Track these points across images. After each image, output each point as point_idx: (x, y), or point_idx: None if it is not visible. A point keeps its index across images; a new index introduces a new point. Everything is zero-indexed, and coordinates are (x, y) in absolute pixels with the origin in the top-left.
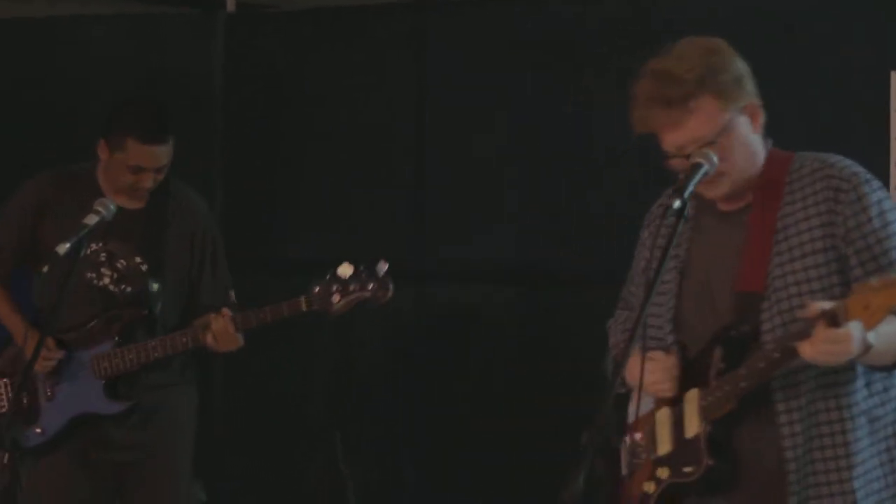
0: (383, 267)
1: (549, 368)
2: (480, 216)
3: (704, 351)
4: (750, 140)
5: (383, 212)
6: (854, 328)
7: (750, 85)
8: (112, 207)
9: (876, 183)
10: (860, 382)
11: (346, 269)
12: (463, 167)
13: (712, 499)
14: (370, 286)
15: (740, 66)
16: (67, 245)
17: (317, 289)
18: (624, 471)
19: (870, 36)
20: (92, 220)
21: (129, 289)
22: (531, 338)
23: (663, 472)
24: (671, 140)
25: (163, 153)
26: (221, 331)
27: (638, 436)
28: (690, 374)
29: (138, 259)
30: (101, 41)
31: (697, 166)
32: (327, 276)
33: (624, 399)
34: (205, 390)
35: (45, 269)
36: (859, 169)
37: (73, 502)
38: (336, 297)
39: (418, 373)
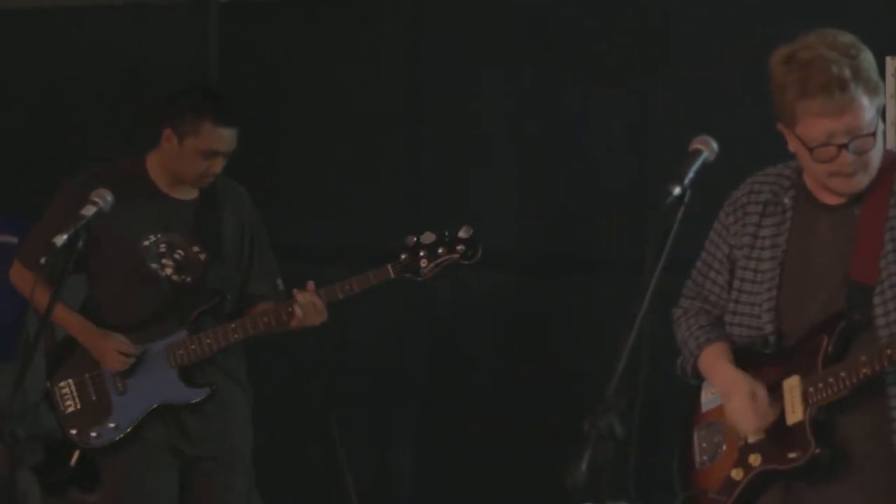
0: (468, 230)
1: (551, 356)
2: (479, 206)
3: (808, 338)
4: (881, 138)
5: (382, 202)
6: None
7: (882, 89)
8: (109, 199)
9: None
10: None
11: (428, 237)
12: (461, 158)
13: (822, 486)
14: (458, 247)
15: (875, 67)
16: (65, 237)
17: (403, 256)
18: (699, 458)
19: (865, 21)
20: (89, 211)
21: (188, 279)
22: (532, 325)
23: (755, 459)
24: (826, 127)
25: (234, 136)
26: (308, 303)
27: (715, 422)
28: (792, 362)
29: (196, 248)
30: (92, 31)
31: (697, 153)
32: (411, 243)
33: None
34: None
35: (43, 260)
36: None
37: (156, 494)
38: (424, 262)
39: (419, 364)
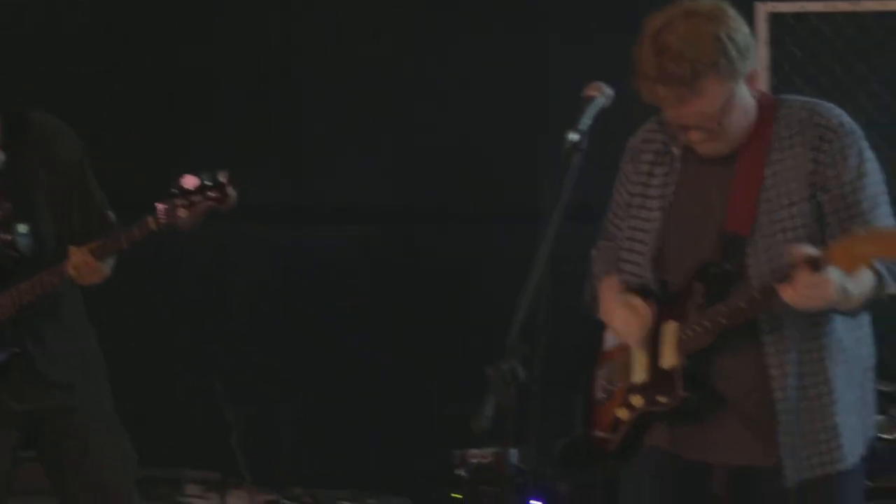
0: (224, 175)
1: (426, 304)
2: (354, 158)
3: (685, 286)
4: (746, 104)
5: (258, 154)
6: (834, 275)
7: (752, 51)
8: None
9: (859, 133)
10: (839, 323)
11: (188, 181)
12: (337, 109)
13: (702, 427)
14: (212, 194)
15: (744, 34)
16: None
17: (162, 206)
18: (598, 395)
19: None
20: None
21: (4, 236)
22: (404, 276)
23: (637, 401)
24: (673, 114)
25: None
26: (81, 263)
27: (612, 362)
28: (669, 308)
29: (6, 203)
30: None
31: (592, 99)
32: (171, 192)
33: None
34: None
35: None
36: (846, 119)
37: None
38: (181, 212)
39: (295, 313)
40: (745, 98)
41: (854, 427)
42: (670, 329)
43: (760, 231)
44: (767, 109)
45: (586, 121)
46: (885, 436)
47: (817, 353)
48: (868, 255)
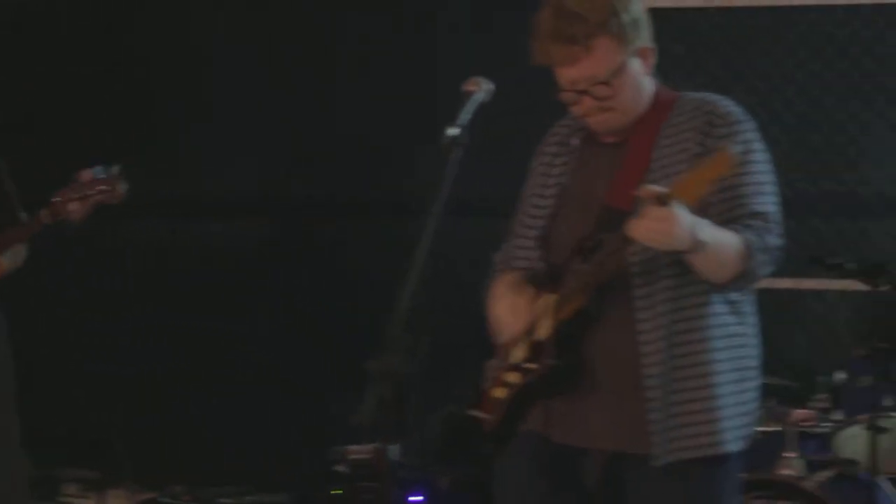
0: (116, 169)
1: (307, 299)
2: (238, 151)
3: (566, 262)
4: (640, 81)
5: (138, 147)
6: (678, 209)
7: (645, 29)
8: None
9: (750, 125)
10: (724, 307)
11: (83, 176)
12: (223, 103)
13: (573, 401)
14: (103, 188)
15: (638, 9)
16: None
17: (55, 199)
18: (485, 382)
19: None
20: None
21: None
22: (286, 270)
23: (513, 377)
24: (566, 75)
25: None
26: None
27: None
28: (549, 285)
29: None
30: None
31: (471, 94)
32: (67, 186)
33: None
34: None
35: None
36: (737, 109)
37: None
38: (73, 205)
39: (176, 308)
40: (639, 73)
41: (734, 415)
42: (548, 301)
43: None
44: (667, 102)
45: (466, 116)
46: (763, 428)
47: (698, 333)
48: (705, 179)
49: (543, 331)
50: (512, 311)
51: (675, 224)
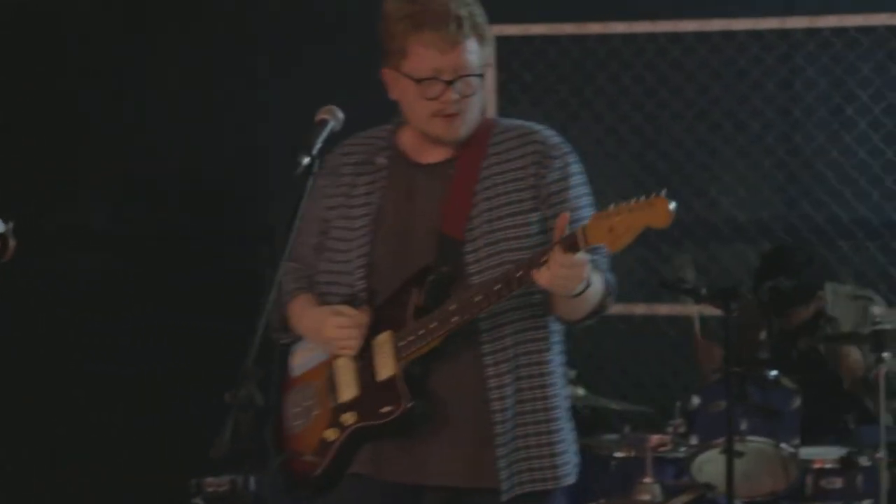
0: (8, 226)
1: (161, 329)
2: (82, 182)
3: (399, 292)
4: (481, 96)
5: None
6: (585, 256)
7: (490, 43)
8: None
9: (575, 155)
10: (557, 337)
11: None
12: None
13: (410, 444)
14: None
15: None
16: None
17: None
18: (291, 423)
19: None
20: None
21: None
22: (138, 300)
23: (349, 418)
24: (438, 61)
25: None
26: None
27: (306, 386)
28: (382, 318)
29: None
30: None
31: (324, 123)
32: None
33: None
34: None
35: None
36: (562, 139)
37: None
38: None
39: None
40: (485, 87)
41: (570, 450)
42: (384, 339)
43: (483, 238)
44: (485, 126)
45: (318, 144)
46: (619, 454)
47: (539, 367)
48: (632, 227)
49: (387, 370)
50: (343, 332)
51: (585, 269)
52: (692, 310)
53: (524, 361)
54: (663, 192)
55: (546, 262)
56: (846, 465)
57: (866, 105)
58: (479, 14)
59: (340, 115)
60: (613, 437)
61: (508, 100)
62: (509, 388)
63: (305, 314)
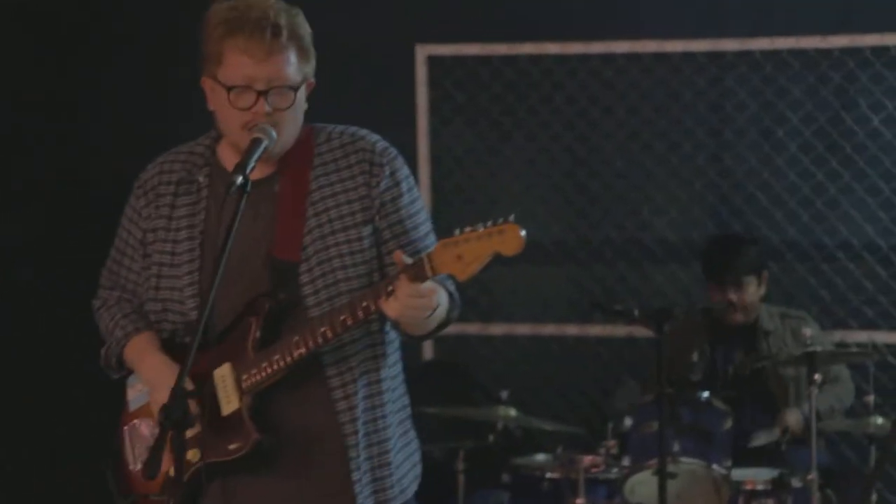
0: None
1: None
2: None
3: (237, 322)
4: (301, 111)
5: None
6: (432, 284)
7: (314, 62)
8: None
9: (401, 160)
10: (392, 348)
11: None
12: None
13: (254, 478)
14: None
15: (311, 40)
16: None
17: None
18: (133, 461)
19: (396, 7)
20: None
21: None
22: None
23: (194, 455)
24: (252, 70)
25: None
26: None
27: (142, 424)
28: (221, 350)
29: None
30: None
31: (258, 142)
32: None
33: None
34: None
35: None
36: (388, 145)
37: None
38: None
39: None
40: (302, 102)
41: (404, 465)
42: (225, 372)
43: (316, 257)
44: (306, 133)
45: (251, 164)
46: (552, 475)
47: (377, 385)
48: (481, 255)
49: (231, 405)
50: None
51: (435, 296)
52: (624, 331)
53: (368, 380)
54: (511, 218)
55: (392, 291)
56: (778, 487)
57: (797, 127)
58: (302, 27)
59: (274, 134)
60: (546, 457)
61: (440, 120)
62: (359, 410)
63: (146, 360)
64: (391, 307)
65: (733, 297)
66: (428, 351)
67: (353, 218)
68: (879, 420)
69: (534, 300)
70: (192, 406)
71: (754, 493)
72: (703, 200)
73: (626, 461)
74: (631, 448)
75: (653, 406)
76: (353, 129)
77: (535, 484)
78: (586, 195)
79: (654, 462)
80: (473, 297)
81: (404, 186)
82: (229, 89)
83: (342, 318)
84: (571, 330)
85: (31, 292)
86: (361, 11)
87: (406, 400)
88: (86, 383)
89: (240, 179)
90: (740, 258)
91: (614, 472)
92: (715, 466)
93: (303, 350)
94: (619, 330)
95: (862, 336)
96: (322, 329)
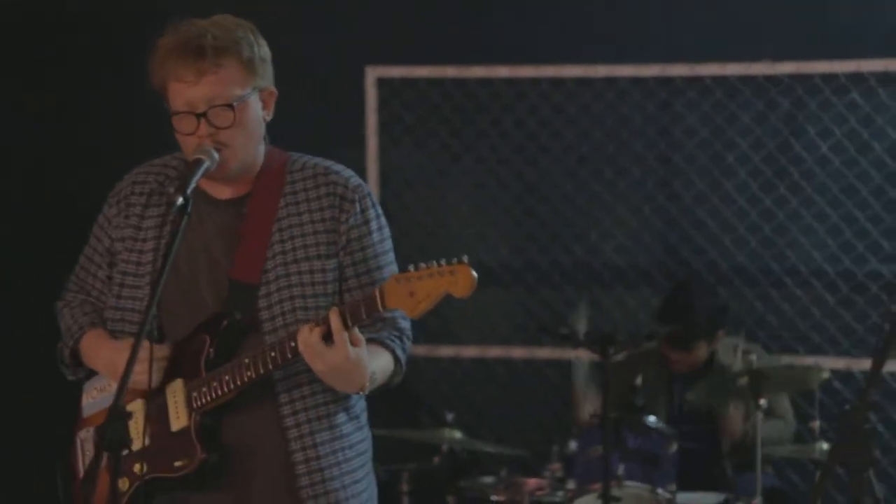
0: None
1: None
2: None
3: (192, 339)
4: (259, 123)
5: None
6: (361, 351)
7: (270, 71)
8: None
9: (373, 198)
10: (345, 404)
11: None
12: None
13: (203, 493)
14: None
15: (266, 50)
16: None
17: None
18: (81, 468)
19: (347, 29)
20: None
21: None
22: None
23: (140, 468)
24: (186, 94)
25: None
26: None
27: (94, 431)
28: (175, 364)
29: None
30: None
31: (199, 162)
32: None
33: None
34: None
35: None
36: (361, 181)
37: None
38: None
39: None
40: (258, 115)
41: (352, 501)
42: (176, 388)
43: (276, 283)
44: (280, 159)
45: (192, 184)
46: (496, 497)
47: (326, 420)
48: (433, 293)
49: (180, 421)
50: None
51: (361, 373)
52: (571, 354)
53: (318, 413)
54: (465, 259)
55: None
56: None
57: (746, 153)
58: (243, 40)
59: (216, 155)
60: (490, 480)
61: (390, 141)
62: (308, 436)
63: (102, 346)
64: (316, 362)
65: (680, 357)
66: None
67: (317, 249)
68: (825, 445)
69: (481, 323)
70: (140, 419)
71: None
72: (651, 225)
73: (570, 484)
74: (575, 471)
75: (598, 430)
76: (329, 162)
77: None
78: (535, 218)
79: (598, 486)
80: (421, 319)
81: (374, 225)
82: (174, 115)
83: (292, 344)
84: (518, 353)
85: (32, 292)
86: (312, 32)
87: (364, 434)
88: None
89: (180, 200)
90: (693, 327)
91: (559, 496)
92: (660, 490)
93: (251, 374)
94: (566, 353)
95: (809, 361)
96: (272, 354)
